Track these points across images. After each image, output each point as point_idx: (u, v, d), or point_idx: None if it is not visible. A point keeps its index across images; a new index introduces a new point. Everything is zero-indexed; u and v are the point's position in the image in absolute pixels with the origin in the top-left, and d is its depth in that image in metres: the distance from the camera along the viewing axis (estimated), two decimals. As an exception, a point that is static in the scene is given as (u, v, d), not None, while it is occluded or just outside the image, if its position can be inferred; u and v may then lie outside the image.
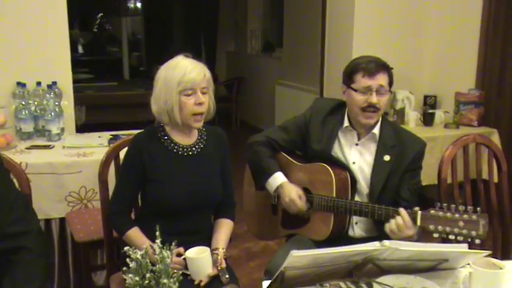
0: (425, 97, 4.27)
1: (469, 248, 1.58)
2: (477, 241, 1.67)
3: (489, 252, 1.58)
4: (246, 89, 8.26)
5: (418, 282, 1.57)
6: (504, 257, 2.25)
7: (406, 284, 1.56)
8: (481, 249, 1.59)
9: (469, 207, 1.71)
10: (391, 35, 4.31)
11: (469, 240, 1.67)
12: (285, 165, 2.28)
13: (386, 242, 1.49)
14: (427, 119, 4.03)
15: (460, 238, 1.69)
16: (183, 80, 1.88)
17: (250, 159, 2.32)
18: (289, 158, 2.29)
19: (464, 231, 1.67)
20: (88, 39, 11.58)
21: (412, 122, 4.00)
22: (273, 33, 7.86)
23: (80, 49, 11.21)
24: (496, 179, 2.32)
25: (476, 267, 1.50)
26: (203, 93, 1.92)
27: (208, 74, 1.94)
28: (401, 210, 1.87)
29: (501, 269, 1.51)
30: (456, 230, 1.69)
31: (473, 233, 1.67)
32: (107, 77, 9.30)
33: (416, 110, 4.12)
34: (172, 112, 1.91)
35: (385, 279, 1.57)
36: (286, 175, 2.23)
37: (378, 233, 2.06)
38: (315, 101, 2.33)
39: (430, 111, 4.08)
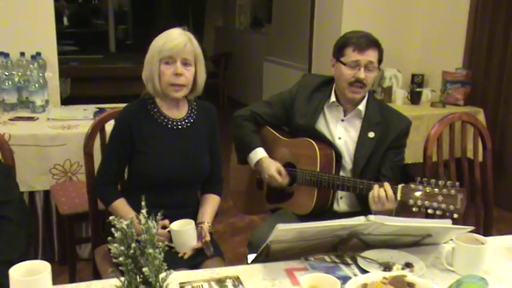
0: (413, 76, 4.28)
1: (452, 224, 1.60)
2: (455, 215, 1.69)
3: (472, 228, 1.60)
4: (233, 64, 8.19)
5: (401, 256, 1.59)
6: (486, 233, 2.29)
7: (389, 258, 1.58)
8: (464, 225, 1.61)
9: (448, 182, 1.72)
10: (380, 12, 4.30)
11: (448, 214, 1.69)
12: (270, 140, 2.28)
13: (371, 217, 1.50)
14: (414, 98, 4.05)
15: (438, 212, 1.71)
16: (164, 48, 1.85)
17: (233, 133, 2.32)
18: (275, 132, 2.29)
19: (443, 206, 1.69)
20: (74, 10, 11.36)
21: (399, 100, 4.01)
22: (261, 8, 7.78)
23: (65, 21, 10.99)
24: (480, 158, 2.33)
25: (460, 243, 1.53)
26: (185, 65, 1.88)
27: (192, 46, 1.89)
28: (386, 184, 1.87)
29: (483, 244, 1.53)
30: (435, 204, 1.70)
31: (451, 207, 1.68)
32: (93, 49, 9.16)
33: (404, 88, 4.13)
34: (153, 80, 1.88)
35: (369, 253, 1.59)
36: (271, 150, 2.23)
37: (362, 207, 2.08)
38: (302, 77, 2.32)
39: (417, 89, 4.10)
